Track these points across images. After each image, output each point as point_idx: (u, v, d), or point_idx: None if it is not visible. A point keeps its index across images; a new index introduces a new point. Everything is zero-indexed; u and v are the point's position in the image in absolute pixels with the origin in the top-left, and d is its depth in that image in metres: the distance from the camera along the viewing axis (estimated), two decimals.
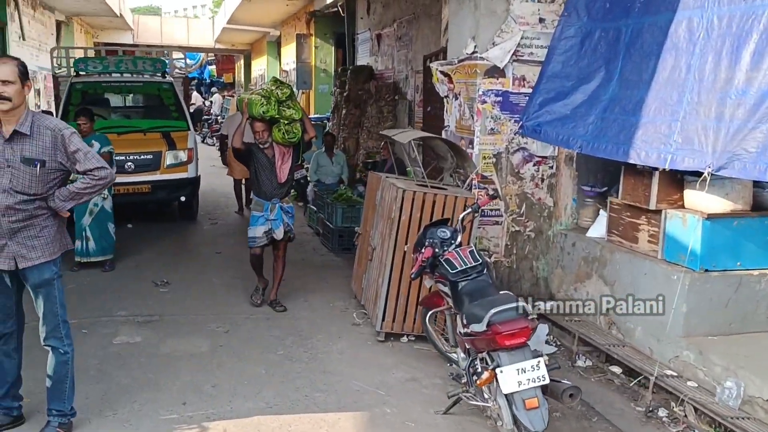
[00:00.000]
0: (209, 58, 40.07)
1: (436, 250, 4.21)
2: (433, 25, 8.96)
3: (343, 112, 11.69)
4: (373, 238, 5.81)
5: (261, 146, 5.86)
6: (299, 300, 6.32)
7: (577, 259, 5.53)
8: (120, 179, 8.34)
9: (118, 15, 22.41)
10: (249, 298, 6.23)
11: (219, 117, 24.29)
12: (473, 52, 5.83)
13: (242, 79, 34.02)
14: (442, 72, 6.29)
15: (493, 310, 3.53)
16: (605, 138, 4.58)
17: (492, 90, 5.81)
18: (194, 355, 4.96)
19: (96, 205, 6.90)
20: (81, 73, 9.66)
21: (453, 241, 4.34)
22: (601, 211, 5.54)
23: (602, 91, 4.75)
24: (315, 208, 9.71)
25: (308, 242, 9.01)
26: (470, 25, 5.95)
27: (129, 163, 8.56)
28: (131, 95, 11.06)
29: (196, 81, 41.63)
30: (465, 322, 3.78)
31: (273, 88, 5.91)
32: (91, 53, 11.21)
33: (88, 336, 5.23)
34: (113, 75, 9.73)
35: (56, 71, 10.36)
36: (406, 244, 5.23)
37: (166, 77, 9.89)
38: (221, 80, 39.35)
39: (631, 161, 4.40)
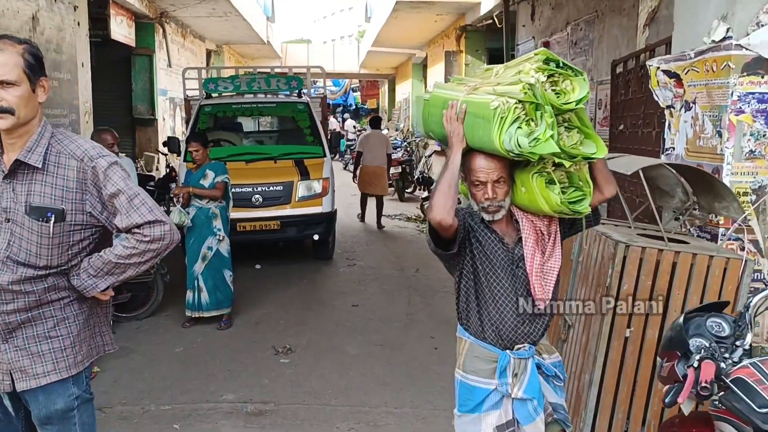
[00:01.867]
0: (353, 85, 40.12)
1: (720, 364, 2.39)
2: (625, 23, 7.06)
3: None
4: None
5: (487, 215, 2.54)
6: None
7: None
8: (246, 214, 7.21)
9: (266, 42, 22.27)
10: (391, 383, 4.66)
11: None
12: (723, 39, 3.93)
13: (386, 105, 33.33)
14: (666, 71, 4.42)
15: None
16: None
17: (754, 94, 3.87)
18: None
19: (210, 249, 5.70)
20: (213, 95, 8.74)
21: (737, 343, 2.50)
22: None
23: None
24: None
25: None
26: (716, 0, 4.07)
27: (256, 196, 7.40)
28: (263, 118, 10.06)
29: (341, 108, 42.12)
30: None
31: (537, 73, 2.31)
32: (226, 74, 10.40)
33: None
34: (246, 96, 8.71)
35: (188, 94, 9.57)
36: (628, 327, 3.43)
37: (302, 97, 8.72)
38: (365, 106, 39.16)
39: None
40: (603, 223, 4.35)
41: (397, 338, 5.70)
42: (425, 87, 21.76)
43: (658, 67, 4.47)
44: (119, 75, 14.54)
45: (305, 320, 6.15)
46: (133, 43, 14.03)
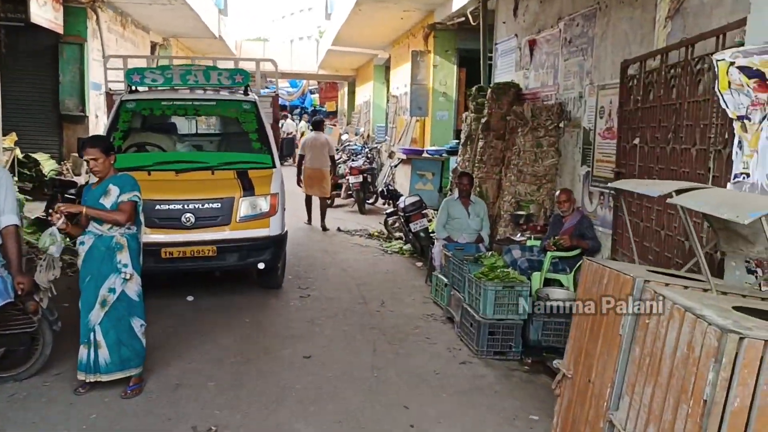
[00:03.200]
0: (312, 87, 38.62)
1: None
2: (638, 15, 5.89)
3: (480, 144, 8.76)
4: (616, 409, 2.77)
5: None
6: None
7: None
8: (174, 237, 5.81)
9: (217, 37, 20.67)
10: None
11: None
12: None
13: (345, 108, 31.96)
14: (745, 69, 3.20)
15: None
16: None
17: None
18: None
19: (111, 292, 4.26)
20: (139, 88, 7.24)
21: None
22: None
23: None
24: (446, 280, 6.80)
25: (437, 332, 6.07)
26: None
27: (188, 215, 5.98)
28: (200, 118, 8.55)
29: (299, 110, 40.54)
30: None
31: None
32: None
33: None
34: (180, 92, 7.23)
35: (110, 87, 8.00)
36: None
37: (249, 95, 7.30)
38: (324, 109, 37.71)
39: None
40: (650, 270, 3.11)
41: (360, 410, 4.37)
42: (387, 90, 20.49)
43: (732, 63, 3.25)
44: (44, 65, 12.87)
45: (242, 381, 4.75)
46: (60, 30, 12.37)
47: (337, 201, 14.08)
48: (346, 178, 13.44)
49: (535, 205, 7.61)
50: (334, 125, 29.14)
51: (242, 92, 7.29)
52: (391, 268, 8.76)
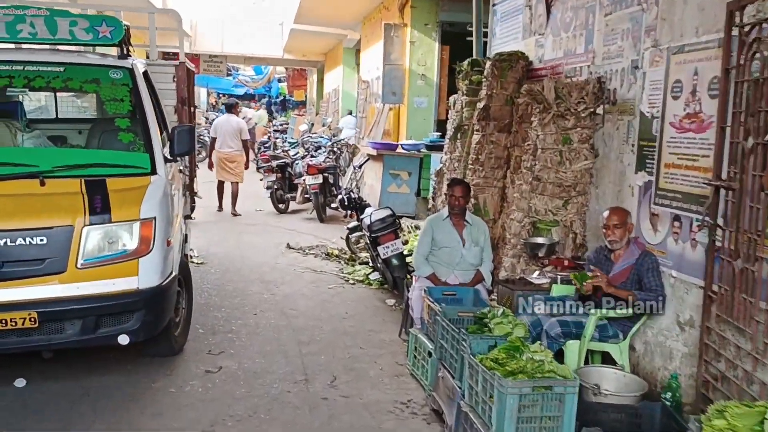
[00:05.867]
0: (280, 75, 35.89)
1: None
2: None
3: (475, 138, 6.32)
4: None
5: None
6: None
7: None
8: None
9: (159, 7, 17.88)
10: None
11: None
12: None
13: (314, 97, 29.30)
14: None
15: None
16: None
17: None
18: None
19: None
20: None
21: None
22: None
23: None
24: (430, 345, 4.42)
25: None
26: None
27: None
28: (36, 93, 5.73)
29: (266, 99, 37.80)
30: None
31: None
32: None
33: None
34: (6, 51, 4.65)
35: None
36: None
37: (128, 56, 4.72)
38: (291, 98, 35.06)
39: None
40: None
41: None
42: (358, 74, 17.95)
43: None
44: None
45: None
46: None
47: (293, 206, 11.57)
48: (303, 178, 10.91)
49: (560, 228, 5.18)
50: (301, 115, 26.54)
51: (118, 55, 4.72)
52: (352, 308, 6.30)
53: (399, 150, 10.48)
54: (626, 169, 4.72)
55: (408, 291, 5.59)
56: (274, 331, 5.55)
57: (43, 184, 3.78)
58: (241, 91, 34.25)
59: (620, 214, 4.28)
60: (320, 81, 27.99)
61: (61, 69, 4.37)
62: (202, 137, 16.53)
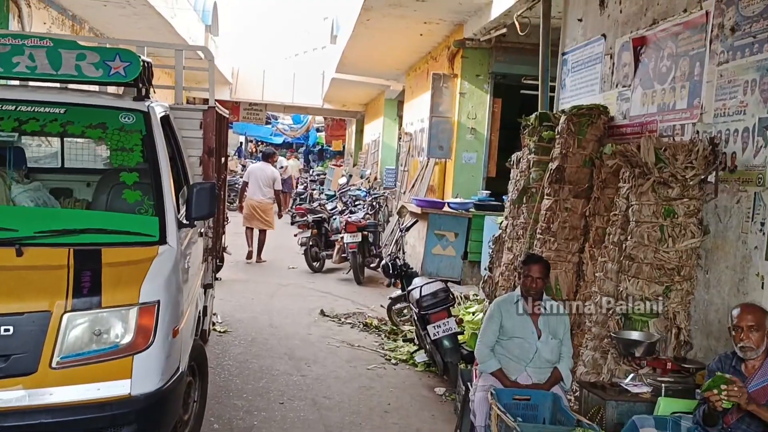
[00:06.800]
0: (318, 125, 35.65)
1: None
2: None
3: (546, 203, 5.41)
4: None
5: None
6: None
7: None
8: None
9: (201, 57, 17.59)
10: None
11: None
12: None
13: (353, 148, 28.79)
14: None
15: None
16: None
17: None
18: None
19: None
20: None
21: None
22: None
23: None
24: None
25: None
26: None
27: None
28: (31, 138, 4.89)
29: (304, 148, 37.56)
30: None
31: None
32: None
33: None
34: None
35: None
36: None
37: (146, 97, 3.98)
38: (330, 148, 34.72)
39: None
40: None
41: None
42: (400, 126, 17.29)
43: None
44: None
45: None
46: None
47: (328, 264, 10.71)
48: (341, 235, 10.08)
49: (660, 321, 4.19)
50: (339, 165, 25.95)
51: (133, 97, 3.97)
52: (396, 399, 5.34)
53: (446, 209, 9.62)
54: (751, 253, 3.75)
55: (461, 380, 4.66)
56: (300, 427, 4.62)
57: (19, 254, 2.98)
58: (279, 140, 34.08)
59: (757, 313, 3.28)
60: (359, 132, 27.52)
61: (62, 110, 3.64)
62: (236, 186, 15.97)
